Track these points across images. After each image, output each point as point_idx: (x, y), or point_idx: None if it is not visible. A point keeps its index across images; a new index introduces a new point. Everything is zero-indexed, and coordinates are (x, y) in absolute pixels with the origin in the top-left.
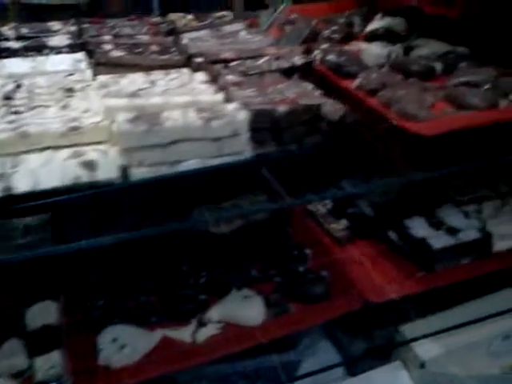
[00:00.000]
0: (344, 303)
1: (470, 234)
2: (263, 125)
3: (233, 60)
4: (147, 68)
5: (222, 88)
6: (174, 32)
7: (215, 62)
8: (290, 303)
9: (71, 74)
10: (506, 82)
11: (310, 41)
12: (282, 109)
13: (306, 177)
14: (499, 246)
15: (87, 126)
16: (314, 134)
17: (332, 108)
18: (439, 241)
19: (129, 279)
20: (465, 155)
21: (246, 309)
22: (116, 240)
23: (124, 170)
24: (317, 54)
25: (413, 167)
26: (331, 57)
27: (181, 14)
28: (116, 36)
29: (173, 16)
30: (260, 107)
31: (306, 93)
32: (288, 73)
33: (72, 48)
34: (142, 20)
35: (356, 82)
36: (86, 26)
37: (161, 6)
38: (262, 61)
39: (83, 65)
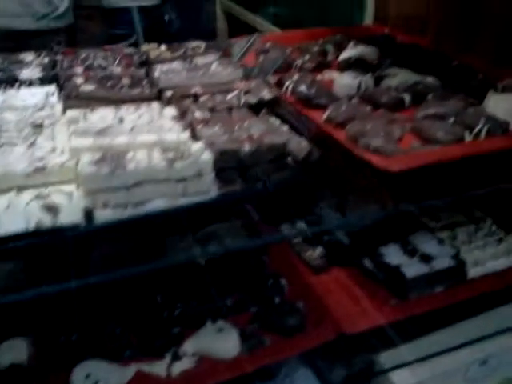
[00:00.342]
0: (319, 335)
1: (444, 262)
2: (228, 164)
3: (202, 94)
4: (118, 101)
5: (190, 125)
6: (146, 63)
7: (185, 96)
8: (265, 335)
9: (41, 109)
10: (471, 114)
11: (283, 70)
12: (246, 148)
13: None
14: (473, 272)
15: (53, 166)
16: (279, 172)
17: (298, 145)
18: (413, 269)
19: (102, 313)
20: (433, 188)
21: (221, 342)
22: (102, 279)
23: (88, 213)
24: (288, 85)
25: (381, 201)
26: (302, 88)
27: (154, 45)
28: (88, 68)
29: (146, 47)
30: (224, 147)
31: (273, 129)
32: (256, 108)
33: (44, 81)
34: (115, 51)
35: (325, 115)
36: (59, 57)
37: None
38: (230, 95)
39: (54, 98)
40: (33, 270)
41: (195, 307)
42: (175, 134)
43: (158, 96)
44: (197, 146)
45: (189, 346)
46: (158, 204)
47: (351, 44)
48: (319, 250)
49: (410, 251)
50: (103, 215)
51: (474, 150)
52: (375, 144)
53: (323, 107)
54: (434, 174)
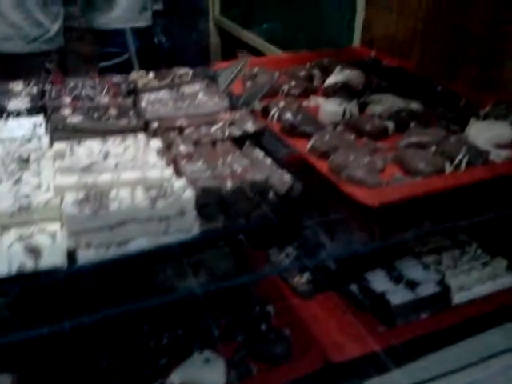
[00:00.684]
0: (306, 364)
1: (429, 288)
2: (210, 202)
3: (187, 126)
4: (105, 133)
5: (173, 160)
6: (134, 92)
7: (170, 129)
8: (252, 363)
9: (28, 141)
10: (452, 143)
11: (270, 96)
12: (228, 185)
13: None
14: (458, 297)
15: (38, 204)
16: (261, 208)
17: (280, 179)
18: (398, 296)
19: (88, 345)
20: (418, 215)
21: (208, 372)
22: (88, 320)
23: (71, 253)
24: (274, 113)
25: (367, 229)
26: (287, 116)
27: (142, 73)
28: (76, 98)
29: (134, 75)
30: (207, 184)
31: (256, 163)
32: (240, 140)
33: (32, 111)
34: (103, 79)
35: (309, 144)
36: (47, 86)
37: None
38: (215, 128)
39: (41, 130)
40: (18, 308)
41: (182, 336)
42: (159, 170)
43: (145, 127)
44: (179, 183)
45: (176, 377)
46: (141, 243)
47: (337, 68)
48: (306, 276)
49: (396, 277)
50: (86, 256)
51: (453, 182)
52: (357, 176)
53: (308, 135)
54: (418, 203)
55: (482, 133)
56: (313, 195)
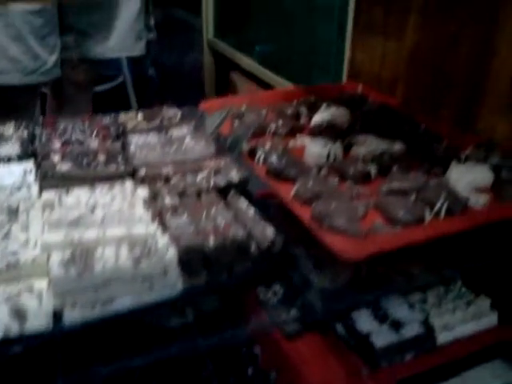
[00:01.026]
0: None
1: (413, 329)
2: (193, 259)
3: (174, 175)
4: (94, 180)
5: (159, 213)
6: (123, 134)
7: (157, 177)
8: None
9: (18, 189)
10: (433, 188)
11: (258, 135)
12: (211, 242)
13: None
14: (442, 338)
15: (25, 261)
16: (244, 263)
17: (262, 232)
18: (382, 337)
19: None
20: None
21: None
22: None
23: (57, 312)
24: (260, 156)
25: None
26: (273, 159)
27: (132, 114)
28: (66, 143)
29: (123, 117)
30: (190, 242)
31: (240, 214)
32: (225, 190)
33: (22, 157)
34: (93, 121)
35: (293, 190)
36: (38, 130)
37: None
38: (200, 176)
39: (31, 177)
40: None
41: (170, 381)
42: (144, 225)
43: (133, 173)
44: (163, 240)
45: None
46: (126, 301)
47: (324, 106)
48: (293, 313)
49: (381, 317)
50: (72, 315)
51: (431, 233)
52: (338, 225)
53: (293, 180)
54: (398, 252)
55: (463, 177)
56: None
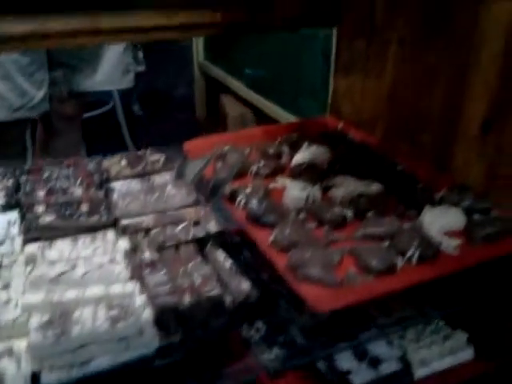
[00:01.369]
0: None
1: (391, 365)
2: (168, 319)
3: (154, 227)
4: (77, 231)
5: (137, 269)
6: (106, 181)
7: (138, 229)
8: None
9: (1, 243)
10: (406, 234)
11: (240, 176)
12: (186, 300)
13: None
14: (420, 373)
15: (6, 322)
16: (219, 317)
17: (238, 286)
18: (361, 375)
19: None
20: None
21: None
22: None
23: (35, 376)
24: (240, 200)
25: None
26: (252, 204)
27: (116, 159)
28: (50, 191)
29: (107, 163)
30: (166, 301)
31: (217, 267)
32: (203, 241)
33: (7, 208)
34: (77, 166)
35: (271, 238)
36: (23, 178)
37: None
38: (180, 227)
39: (15, 229)
40: None
41: None
42: (122, 284)
43: (115, 222)
44: (140, 300)
45: None
46: (102, 362)
47: (305, 145)
48: (276, 351)
49: (361, 354)
50: (49, 377)
51: (402, 282)
52: (312, 275)
53: (271, 226)
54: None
55: (435, 220)
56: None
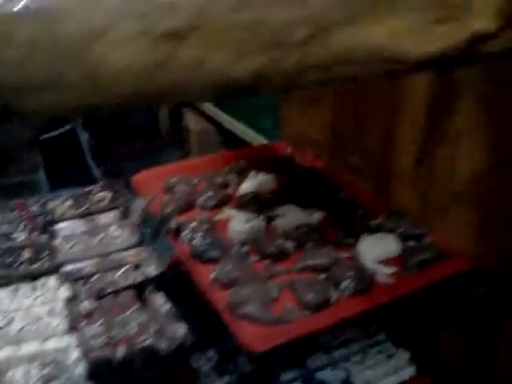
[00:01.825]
0: None
1: None
2: (102, 372)
3: (95, 273)
4: (19, 279)
5: (75, 320)
6: (50, 223)
7: (78, 276)
8: None
9: None
10: (342, 265)
11: (186, 209)
12: (120, 352)
13: None
14: None
15: None
16: (154, 365)
17: (173, 331)
18: None
19: None
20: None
21: None
22: None
23: None
24: (184, 236)
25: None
26: (196, 240)
27: (61, 199)
28: None
29: (52, 203)
30: (100, 355)
31: (154, 312)
32: (143, 285)
33: None
34: (22, 209)
35: (212, 275)
36: None
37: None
38: (120, 272)
39: None
40: None
41: None
42: (58, 337)
43: (57, 268)
44: (74, 355)
45: None
46: None
47: (252, 173)
48: (226, 379)
49: (307, 379)
50: None
51: (336, 316)
52: (249, 314)
53: (214, 261)
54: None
55: (371, 249)
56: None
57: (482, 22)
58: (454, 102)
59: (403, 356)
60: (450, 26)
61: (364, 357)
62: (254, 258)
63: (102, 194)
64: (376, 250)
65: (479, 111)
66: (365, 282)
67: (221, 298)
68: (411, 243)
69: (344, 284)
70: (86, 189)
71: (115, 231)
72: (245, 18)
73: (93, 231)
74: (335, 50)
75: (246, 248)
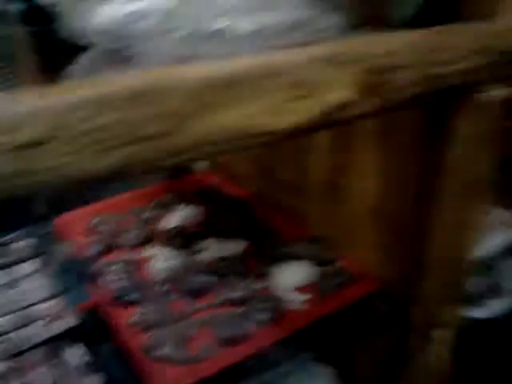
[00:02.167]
0: None
1: None
2: None
3: (9, 330)
4: None
5: None
6: None
7: None
8: None
9: None
10: (258, 296)
11: (109, 250)
12: None
13: None
14: None
15: None
16: None
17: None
18: None
19: None
20: None
21: None
22: None
23: None
24: (104, 278)
25: None
26: (116, 283)
27: None
28: None
29: None
30: None
31: (66, 368)
32: (60, 339)
33: None
34: None
35: (131, 319)
36: None
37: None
38: (35, 327)
39: None
40: None
41: None
42: None
43: None
44: None
45: None
46: None
47: (179, 206)
48: None
49: None
50: None
51: (253, 349)
52: (165, 356)
53: (136, 304)
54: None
55: (286, 278)
56: None
57: (340, 93)
58: (350, 139)
59: (329, 373)
60: (307, 101)
61: (288, 377)
62: (174, 295)
63: (21, 243)
64: (291, 278)
65: (370, 145)
66: (279, 311)
67: (138, 342)
68: (325, 268)
69: (260, 316)
70: (7, 237)
71: (33, 283)
72: (104, 120)
73: (9, 285)
74: (192, 137)
75: (166, 287)
